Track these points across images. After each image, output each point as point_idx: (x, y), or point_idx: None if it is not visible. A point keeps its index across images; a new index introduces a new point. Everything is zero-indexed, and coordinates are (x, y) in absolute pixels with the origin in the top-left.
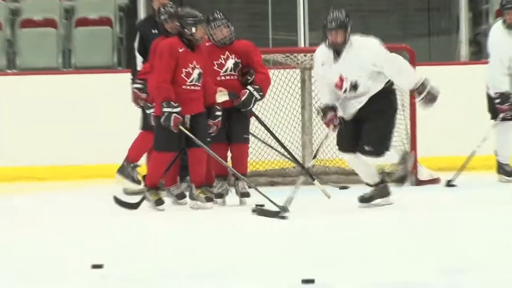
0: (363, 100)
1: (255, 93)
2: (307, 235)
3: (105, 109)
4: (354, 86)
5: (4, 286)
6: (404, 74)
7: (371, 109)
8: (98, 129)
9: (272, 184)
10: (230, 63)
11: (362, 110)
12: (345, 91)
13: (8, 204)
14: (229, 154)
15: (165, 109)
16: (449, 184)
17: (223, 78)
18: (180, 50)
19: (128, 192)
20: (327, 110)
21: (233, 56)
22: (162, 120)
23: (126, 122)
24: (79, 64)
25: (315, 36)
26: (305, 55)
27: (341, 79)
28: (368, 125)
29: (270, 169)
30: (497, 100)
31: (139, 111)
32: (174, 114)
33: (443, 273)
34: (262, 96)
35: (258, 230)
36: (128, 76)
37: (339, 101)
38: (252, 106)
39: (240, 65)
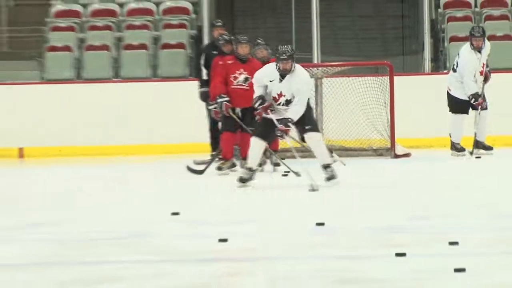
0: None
1: None
2: (318, 193)
3: (181, 105)
4: (288, 102)
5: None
6: (297, 109)
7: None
8: (176, 117)
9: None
10: None
11: None
12: (279, 104)
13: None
14: None
15: (218, 100)
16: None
17: None
18: (229, 62)
19: (196, 162)
20: (264, 99)
21: None
22: (217, 108)
23: (195, 113)
24: (163, 75)
25: (324, 55)
26: (317, 69)
27: (280, 95)
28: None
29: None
30: (473, 100)
31: (203, 106)
32: (224, 102)
33: (411, 219)
34: None
35: (285, 188)
36: (196, 83)
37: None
38: None
39: None
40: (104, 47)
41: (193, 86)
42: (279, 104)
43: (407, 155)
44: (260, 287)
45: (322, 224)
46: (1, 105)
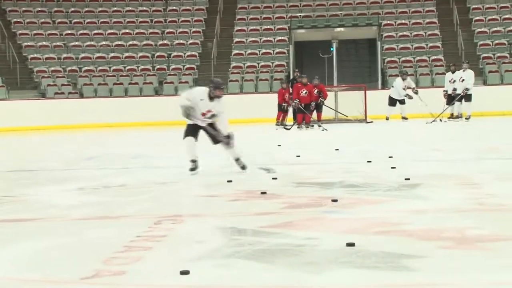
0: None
1: None
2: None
3: None
4: (213, 116)
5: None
6: (224, 123)
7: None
8: None
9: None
10: None
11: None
12: (206, 117)
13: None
14: None
15: None
16: None
17: None
18: None
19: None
20: (192, 110)
21: None
22: None
23: None
24: None
25: None
26: None
27: (208, 111)
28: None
29: None
30: None
31: None
32: None
33: None
34: None
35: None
36: None
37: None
38: None
39: None
40: None
41: None
42: (205, 117)
43: None
44: None
45: None
46: None
